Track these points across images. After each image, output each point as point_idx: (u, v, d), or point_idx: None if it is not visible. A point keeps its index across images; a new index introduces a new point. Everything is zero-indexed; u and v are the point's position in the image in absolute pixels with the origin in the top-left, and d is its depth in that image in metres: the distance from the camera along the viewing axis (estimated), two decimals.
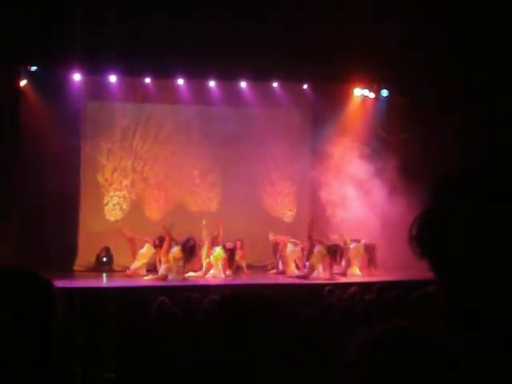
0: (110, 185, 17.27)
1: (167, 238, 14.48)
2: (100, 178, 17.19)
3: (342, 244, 15.54)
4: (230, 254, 15.33)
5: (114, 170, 17.28)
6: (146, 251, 15.17)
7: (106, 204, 17.19)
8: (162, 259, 14.47)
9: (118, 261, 16.32)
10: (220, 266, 15.00)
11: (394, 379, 1.05)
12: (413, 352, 1.06)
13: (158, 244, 14.84)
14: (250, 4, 14.65)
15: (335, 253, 15.02)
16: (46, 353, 1.83)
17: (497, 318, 1.09)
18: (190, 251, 14.46)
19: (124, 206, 17.29)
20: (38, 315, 1.83)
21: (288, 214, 18.30)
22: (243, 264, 15.83)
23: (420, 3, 14.77)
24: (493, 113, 14.87)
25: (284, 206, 18.30)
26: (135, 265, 15.04)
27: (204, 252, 15.11)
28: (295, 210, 18.38)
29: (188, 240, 14.51)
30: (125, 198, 17.32)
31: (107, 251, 16.41)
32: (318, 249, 15.10)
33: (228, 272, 15.20)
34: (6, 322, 1.79)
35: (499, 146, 1.15)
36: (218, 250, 15.09)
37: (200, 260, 15.14)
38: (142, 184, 17.43)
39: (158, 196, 17.48)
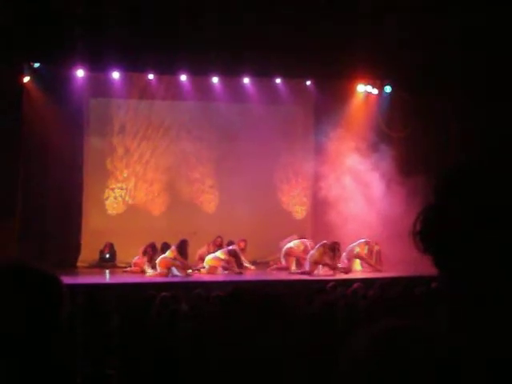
0: (112, 181, 17.31)
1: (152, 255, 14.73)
2: (103, 174, 17.20)
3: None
4: (235, 256, 15.42)
5: (117, 166, 17.29)
6: (140, 261, 15.23)
7: (107, 198, 17.22)
8: (159, 267, 14.51)
9: (122, 257, 16.33)
10: (220, 268, 15.11)
11: (396, 377, 1.04)
12: (415, 351, 1.05)
13: (151, 252, 14.97)
14: (253, 2, 14.63)
15: (334, 250, 15.14)
16: (49, 349, 1.83)
17: (499, 313, 1.08)
18: (183, 253, 14.59)
19: (127, 199, 17.33)
20: (46, 312, 1.83)
21: (291, 210, 18.31)
22: (247, 264, 15.90)
23: (425, 2, 14.75)
24: (495, 110, 14.86)
25: (287, 202, 18.30)
26: (149, 274, 14.88)
27: (207, 255, 15.28)
28: (299, 206, 18.39)
29: (182, 243, 14.61)
30: (126, 193, 17.35)
31: (110, 247, 16.43)
32: (318, 248, 15.18)
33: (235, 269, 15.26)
34: (13, 319, 1.79)
35: (501, 143, 1.14)
36: (219, 254, 15.23)
37: (202, 260, 15.30)
38: (145, 180, 17.44)
39: (160, 192, 17.49)
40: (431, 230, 1.17)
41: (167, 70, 16.15)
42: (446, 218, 1.15)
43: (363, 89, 17.75)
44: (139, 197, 17.43)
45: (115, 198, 17.28)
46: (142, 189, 17.45)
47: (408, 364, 1.03)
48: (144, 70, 16.15)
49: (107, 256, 16.38)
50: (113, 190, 17.28)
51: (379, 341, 1.08)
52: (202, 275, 14.80)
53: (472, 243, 1.11)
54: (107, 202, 17.22)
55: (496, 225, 1.09)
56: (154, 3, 14.34)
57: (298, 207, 18.39)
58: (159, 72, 16.42)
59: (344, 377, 1.09)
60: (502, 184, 1.11)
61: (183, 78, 16.72)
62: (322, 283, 11.49)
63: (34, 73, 15.68)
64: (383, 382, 1.04)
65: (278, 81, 17.31)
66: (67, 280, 11.22)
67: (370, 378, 1.06)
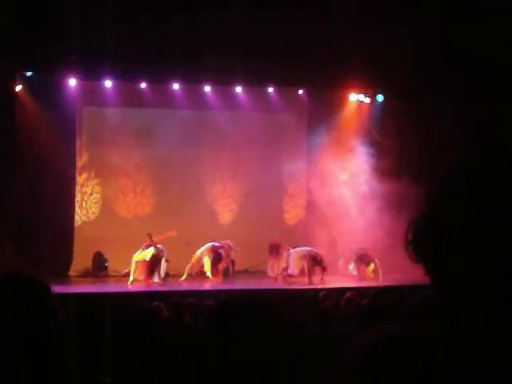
0: (104, 188, 17.28)
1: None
2: (95, 183, 17.16)
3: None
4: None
5: (109, 175, 17.24)
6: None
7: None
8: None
9: (113, 266, 16.29)
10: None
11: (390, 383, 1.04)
12: (408, 357, 1.06)
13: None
14: (246, 10, 14.67)
15: (316, 260, 15.16)
16: (45, 358, 1.83)
17: (493, 322, 1.09)
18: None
19: (118, 206, 17.31)
20: (36, 320, 1.83)
21: (284, 217, 18.30)
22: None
23: (415, 9, 14.81)
24: (490, 116, 14.91)
25: (279, 210, 18.28)
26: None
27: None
28: (290, 214, 18.38)
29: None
30: (117, 200, 17.32)
31: (100, 256, 16.34)
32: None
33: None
34: (3, 327, 1.79)
35: (496, 150, 1.15)
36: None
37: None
38: (136, 187, 17.41)
39: (153, 200, 17.46)
40: (423, 238, 1.18)
41: (160, 78, 16.17)
42: (439, 227, 1.16)
43: (355, 98, 17.80)
44: (131, 204, 17.39)
45: (106, 205, 17.24)
46: (134, 196, 17.41)
47: (401, 371, 1.04)
48: (137, 78, 16.16)
49: (99, 265, 16.32)
50: (103, 197, 17.23)
51: (372, 348, 1.09)
52: (195, 284, 14.78)
53: (466, 252, 1.12)
54: (98, 210, 17.18)
55: (492, 232, 1.10)
56: (146, 13, 14.36)
57: (291, 214, 18.38)
58: (152, 81, 16.43)
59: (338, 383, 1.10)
60: (497, 192, 1.12)
61: (176, 86, 16.73)
62: (314, 292, 11.49)
63: (26, 81, 15.66)
64: None
65: (271, 89, 17.35)
66: (61, 289, 11.19)
67: None
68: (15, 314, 1.79)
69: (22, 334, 1.78)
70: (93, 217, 17.13)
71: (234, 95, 17.20)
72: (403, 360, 1.04)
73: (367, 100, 17.79)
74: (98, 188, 17.23)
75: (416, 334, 1.08)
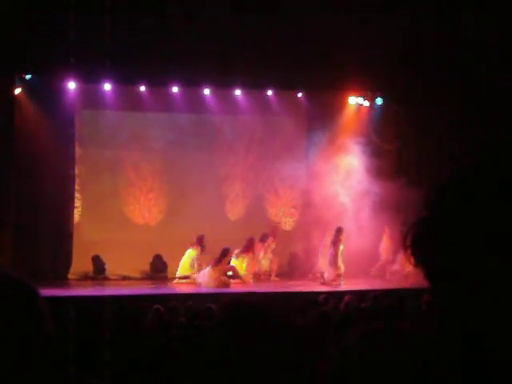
0: (104, 192, 17.24)
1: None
2: (94, 187, 17.12)
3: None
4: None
5: (109, 178, 17.21)
6: None
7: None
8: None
9: (113, 269, 16.28)
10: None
11: (379, 380, 1.04)
12: (399, 355, 1.06)
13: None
14: (245, 13, 14.68)
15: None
16: (36, 360, 1.82)
17: (490, 327, 1.09)
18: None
19: (119, 209, 17.27)
20: (21, 323, 1.82)
21: (284, 221, 18.30)
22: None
23: (416, 11, 14.83)
24: (488, 121, 14.93)
25: (279, 213, 18.29)
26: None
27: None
28: (290, 217, 18.38)
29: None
30: (119, 203, 17.30)
31: (98, 259, 16.32)
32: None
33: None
34: None
35: (496, 155, 1.15)
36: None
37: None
38: (136, 190, 17.40)
39: (152, 203, 17.45)
40: (422, 243, 1.18)
41: (159, 81, 16.18)
42: (438, 231, 1.16)
43: (354, 101, 17.81)
44: (132, 207, 17.37)
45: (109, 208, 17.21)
46: (134, 199, 17.40)
47: (390, 368, 1.04)
48: (136, 81, 16.16)
49: (98, 268, 16.31)
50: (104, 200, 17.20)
51: (361, 343, 1.09)
52: (195, 288, 14.78)
53: (464, 255, 1.12)
54: (100, 213, 17.16)
55: (491, 236, 1.10)
56: (145, 16, 14.37)
57: (288, 218, 18.38)
58: (151, 84, 16.43)
59: (328, 380, 1.10)
60: (496, 197, 1.12)
61: (175, 89, 16.74)
62: (313, 295, 11.49)
63: (25, 84, 15.67)
64: (364, 381, 1.05)
65: (270, 93, 17.35)
66: (60, 292, 11.16)
67: (351, 381, 1.07)
68: (2, 316, 1.79)
69: (11, 336, 1.78)
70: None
71: (233, 98, 17.20)
72: (387, 359, 1.04)
73: (366, 103, 17.81)
74: (93, 190, 17.13)
75: (404, 334, 1.08)
